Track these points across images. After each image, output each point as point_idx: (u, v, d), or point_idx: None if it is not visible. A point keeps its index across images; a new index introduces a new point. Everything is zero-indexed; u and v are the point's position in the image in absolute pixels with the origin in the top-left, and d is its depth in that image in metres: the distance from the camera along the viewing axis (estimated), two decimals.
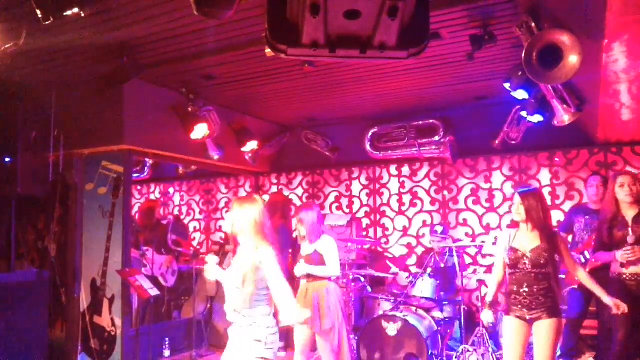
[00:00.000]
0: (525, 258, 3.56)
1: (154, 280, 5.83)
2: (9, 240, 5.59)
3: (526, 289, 3.53)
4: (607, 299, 3.55)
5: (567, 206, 5.93)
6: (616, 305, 3.52)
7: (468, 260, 6.48)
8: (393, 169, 7.21)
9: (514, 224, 3.79)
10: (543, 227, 3.59)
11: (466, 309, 5.73)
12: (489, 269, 6.20)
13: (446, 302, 5.88)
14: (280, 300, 2.93)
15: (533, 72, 3.46)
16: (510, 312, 3.61)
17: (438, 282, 5.40)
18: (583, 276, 3.68)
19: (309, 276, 4.36)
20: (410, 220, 7.03)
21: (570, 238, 5.09)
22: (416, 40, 1.68)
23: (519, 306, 3.55)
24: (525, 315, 3.53)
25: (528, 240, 3.61)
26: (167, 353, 5.98)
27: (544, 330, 3.48)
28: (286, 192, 7.84)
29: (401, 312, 5.03)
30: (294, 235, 4.73)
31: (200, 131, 5.61)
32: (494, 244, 5.76)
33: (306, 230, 4.39)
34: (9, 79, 5.07)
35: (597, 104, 4.29)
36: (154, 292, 5.09)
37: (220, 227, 8.30)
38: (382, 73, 5.26)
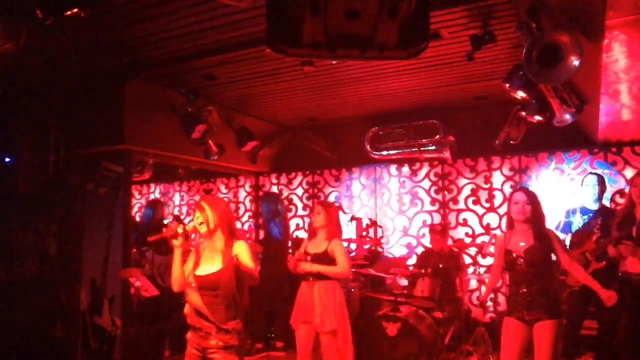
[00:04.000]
0: (520, 259, 3.55)
1: (152, 280, 5.81)
2: (8, 240, 5.59)
3: (524, 289, 3.52)
4: (604, 293, 3.55)
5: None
6: (610, 297, 3.53)
7: (468, 260, 6.48)
8: (393, 169, 7.21)
9: (508, 225, 3.75)
10: (539, 227, 3.60)
11: (466, 309, 5.72)
12: (489, 269, 6.19)
13: (446, 302, 5.86)
14: None
15: (533, 72, 3.45)
16: (510, 313, 3.61)
17: (438, 282, 5.39)
18: (580, 271, 3.71)
19: (316, 275, 4.24)
20: (410, 220, 7.04)
21: (568, 238, 5.08)
22: (416, 40, 1.68)
23: (518, 307, 3.54)
24: (525, 317, 3.51)
25: (523, 241, 3.60)
26: (166, 353, 5.97)
27: (544, 332, 3.46)
28: (286, 192, 7.84)
29: (401, 312, 5.02)
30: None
31: (200, 131, 5.61)
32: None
33: (326, 223, 4.31)
34: (9, 79, 5.07)
35: (597, 104, 4.28)
36: (154, 292, 5.08)
37: None
38: (382, 73, 5.26)
